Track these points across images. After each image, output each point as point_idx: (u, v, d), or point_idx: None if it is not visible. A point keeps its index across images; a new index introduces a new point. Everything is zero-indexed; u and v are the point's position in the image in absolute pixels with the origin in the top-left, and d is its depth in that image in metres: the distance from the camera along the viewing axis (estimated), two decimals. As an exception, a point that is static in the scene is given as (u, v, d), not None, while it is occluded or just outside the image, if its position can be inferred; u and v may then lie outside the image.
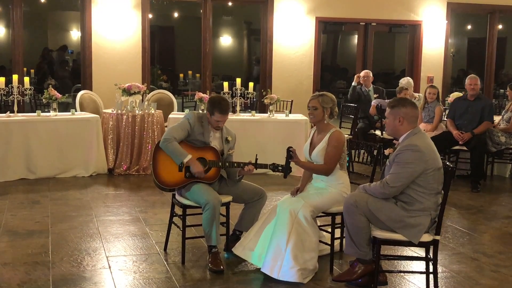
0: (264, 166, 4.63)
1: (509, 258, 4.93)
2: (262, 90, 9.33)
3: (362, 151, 5.33)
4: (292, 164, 4.56)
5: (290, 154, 4.47)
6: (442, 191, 3.99)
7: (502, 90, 13.72)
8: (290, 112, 8.89)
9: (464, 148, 7.63)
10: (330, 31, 14.11)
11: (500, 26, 12.38)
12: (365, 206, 3.96)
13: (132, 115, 7.99)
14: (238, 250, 4.59)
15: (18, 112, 7.83)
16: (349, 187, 4.62)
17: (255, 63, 16.67)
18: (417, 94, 9.76)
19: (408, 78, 9.69)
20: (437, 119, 8.05)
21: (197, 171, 4.56)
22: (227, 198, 4.72)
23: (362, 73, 9.58)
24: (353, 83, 9.48)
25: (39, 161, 7.59)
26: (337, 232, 4.71)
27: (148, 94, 9.40)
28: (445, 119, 8.17)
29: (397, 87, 8.97)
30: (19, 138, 7.48)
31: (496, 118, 8.13)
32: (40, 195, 6.75)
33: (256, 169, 4.65)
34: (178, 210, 4.84)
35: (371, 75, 9.54)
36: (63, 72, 14.76)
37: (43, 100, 8.10)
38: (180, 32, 17.50)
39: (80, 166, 7.79)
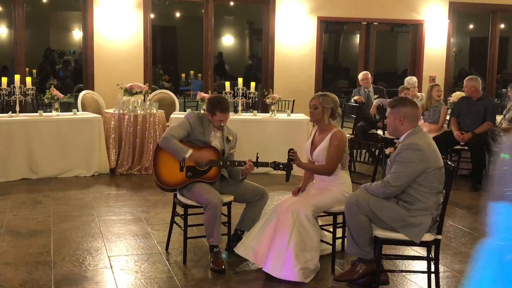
0: (266, 164, 4.62)
1: (511, 258, 4.92)
2: (264, 90, 9.33)
3: (364, 150, 5.33)
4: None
5: (291, 156, 4.47)
6: (444, 191, 3.99)
7: (504, 90, 13.70)
8: (292, 112, 8.88)
9: (466, 147, 7.63)
10: (332, 31, 14.08)
11: (502, 26, 12.37)
12: (366, 206, 3.97)
13: (134, 115, 8.00)
14: (239, 249, 4.59)
15: (20, 112, 7.84)
16: (351, 187, 4.62)
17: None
18: (420, 93, 9.74)
19: (413, 77, 9.64)
20: (443, 119, 8.03)
21: (204, 160, 4.56)
22: (228, 198, 4.73)
23: (360, 75, 9.57)
24: (352, 100, 9.36)
25: (41, 161, 7.60)
26: (339, 232, 4.71)
27: (150, 94, 9.41)
28: (447, 118, 8.16)
29: (400, 86, 8.97)
30: (21, 138, 7.49)
31: (498, 118, 8.11)
32: (42, 195, 6.76)
33: (257, 168, 4.65)
34: (179, 210, 4.84)
35: (370, 76, 9.53)
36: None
37: (45, 100, 8.12)
38: (182, 32, 17.51)
39: (82, 166, 7.80)
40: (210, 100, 4.80)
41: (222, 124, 4.74)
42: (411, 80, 9.41)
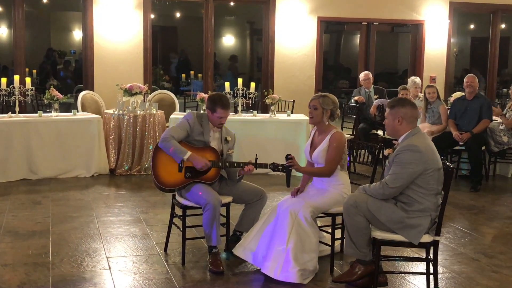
0: (264, 165, 4.62)
1: (510, 259, 4.91)
2: (264, 90, 9.33)
3: (363, 151, 5.32)
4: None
5: (290, 163, 4.45)
6: (442, 192, 3.98)
7: (505, 90, 13.69)
8: (291, 112, 8.88)
9: (464, 148, 7.62)
10: (332, 31, 14.04)
11: (503, 26, 12.36)
12: (365, 207, 3.96)
13: (133, 115, 7.99)
14: (238, 250, 4.58)
15: (19, 112, 7.84)
16: (350, 188, 4.61)
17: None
18: (421, 94, 9.72)
19: (417, 77, 9.58)
20: (444, 119, 7.98)
21: (201, 165, 4.53)
22: (227, 199, 4.72)
23: (361, 76, 9.55)
24: (352, 100, 9.33)
25: (41, 162, 7.59)
26: (338, 233, 4.70)
27: (150, 94, 9.40)
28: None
29: (399, 87, 8.96)
30: (21, 139, 7.49)
31: (497, 118, 8.11)
32: (41, 196, 6.76)
33: (256, 169, 4.64)
34: (178, 211, 4.83)
35: (371, 76, 9.52)
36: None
37: (45, 100, 8.12)
38: (182, 32, 17.49)
39: (82, 166, 7.80)
40: (211, 97, 4.80)
41: (221, 123, 4.73)
42: (416, 79, 9.38)
